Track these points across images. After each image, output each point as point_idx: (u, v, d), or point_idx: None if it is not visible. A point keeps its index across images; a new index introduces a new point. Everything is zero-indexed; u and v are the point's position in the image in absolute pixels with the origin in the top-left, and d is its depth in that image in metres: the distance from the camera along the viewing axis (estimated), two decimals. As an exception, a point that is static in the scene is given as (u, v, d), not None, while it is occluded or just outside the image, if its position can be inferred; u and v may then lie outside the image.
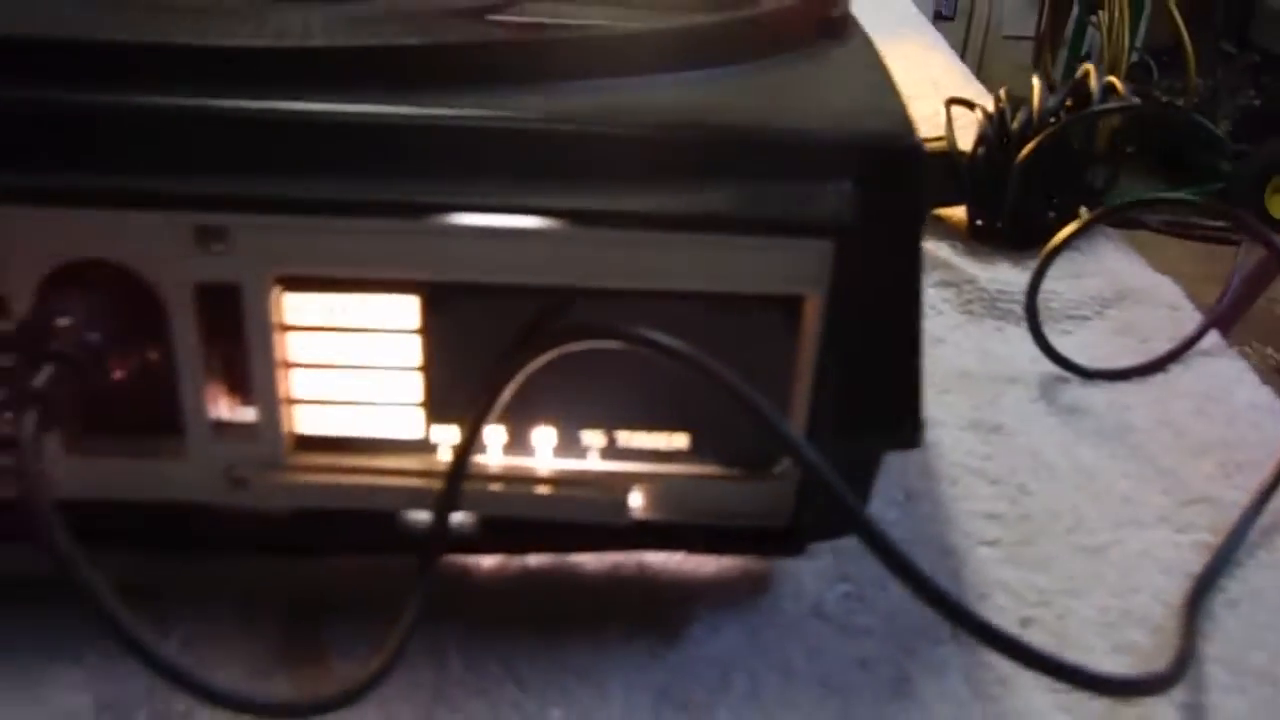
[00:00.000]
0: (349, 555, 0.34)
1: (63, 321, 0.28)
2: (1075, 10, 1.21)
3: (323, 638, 0.32)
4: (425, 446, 0.32)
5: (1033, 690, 0.32)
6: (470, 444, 0.31)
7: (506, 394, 0.30)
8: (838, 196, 0.29)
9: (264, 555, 0.34)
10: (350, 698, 0.27)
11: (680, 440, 0.32)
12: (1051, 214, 0.57)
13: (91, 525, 0.32)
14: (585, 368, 0.31)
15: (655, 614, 0.34)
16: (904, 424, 0.32)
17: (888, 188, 0.30)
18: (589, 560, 0.35)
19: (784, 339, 0.31)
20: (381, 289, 0.30)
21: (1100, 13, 1.00)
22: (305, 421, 0.31)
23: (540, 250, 0.29)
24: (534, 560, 0.35)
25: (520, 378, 0.30)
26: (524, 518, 0.32)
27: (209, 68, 0.29)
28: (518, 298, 0.30)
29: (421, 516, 0.32)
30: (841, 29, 0.39)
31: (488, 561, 0.35)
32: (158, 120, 0.28)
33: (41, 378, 0.27)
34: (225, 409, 0.31)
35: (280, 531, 0.33)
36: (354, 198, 0.29)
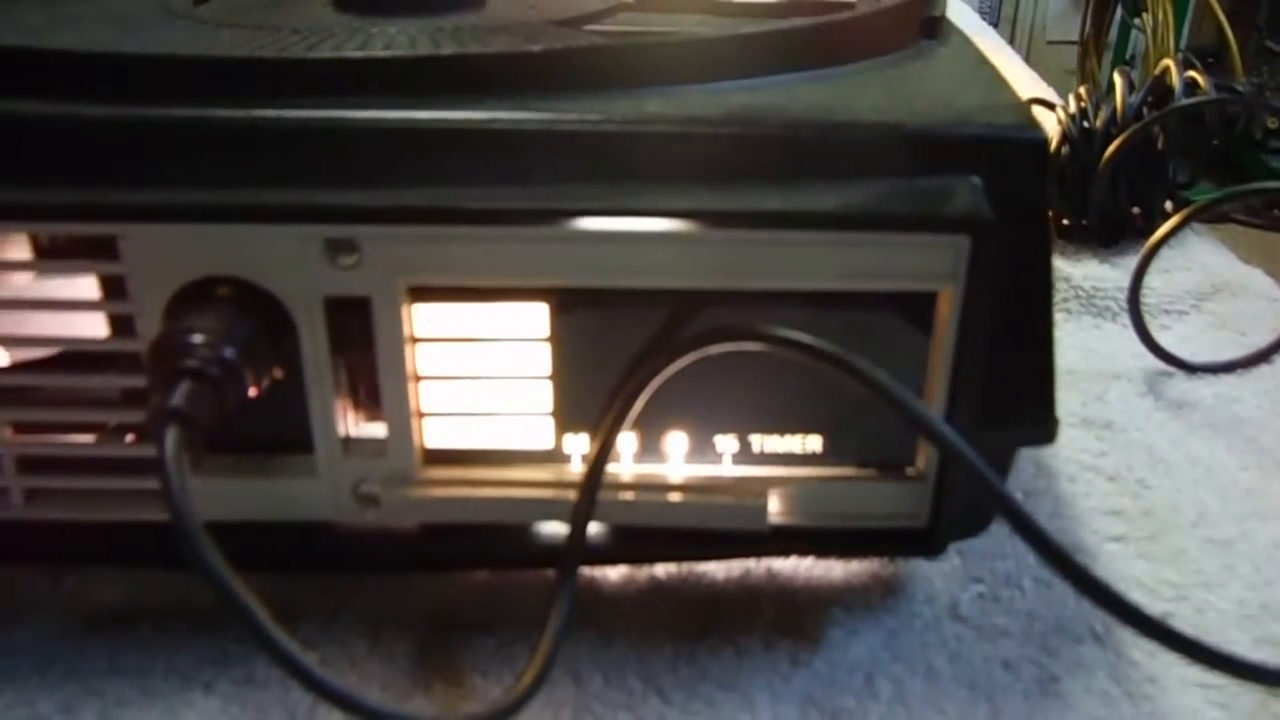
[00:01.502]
0: (476, 570, 0.33)
1: (197, 338, 0.28)
2: (1119, 13, 1.20)
3: (454, 655, 0.32)
4: (556, 456, 0.31)
5: (1183, 687, 0.31)
6: (605, 452, 0.30)
7: (643, 399, 0.30)
8: (972, 192, 0.29)
9: (388, 572, 0.33)
10: (506, 714, 0.27)
11: (814, 442, 0.31)
12: (1135, 210, 0.56)
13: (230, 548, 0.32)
14: (718, 371, 0.30)
15: (790, 620, 0.33)
16: (1039, 419, 0.32)
17: (1017, 182, 0.29)
18: (716, 569, 0.35)
19: (917, 336, 0.30)
20: (510, 297, 0.29)
21: (1144, 15, 0.99)
22: (434, 435, 0.31)
23: (672, 253, 0.29)
24: (661, 570, 0.35)
25: (658, 382, 0.29)
26: (658, 526, 0.31)
27: (334, 81, 0.29)
28: (648, 302, 0.29)
29: (552, 528, 0.32)
30: (940, 28, 0.39)
31: (613, 573, 0.35)
32: (285, 134, 0.28)
33: (179, 395, 0.27)
34: (353, 425, 0.31)
35: (407, 548, 0.33)
36: (482, 206, 0.28)
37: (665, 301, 0.29)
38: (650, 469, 0.31)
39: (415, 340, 0.30)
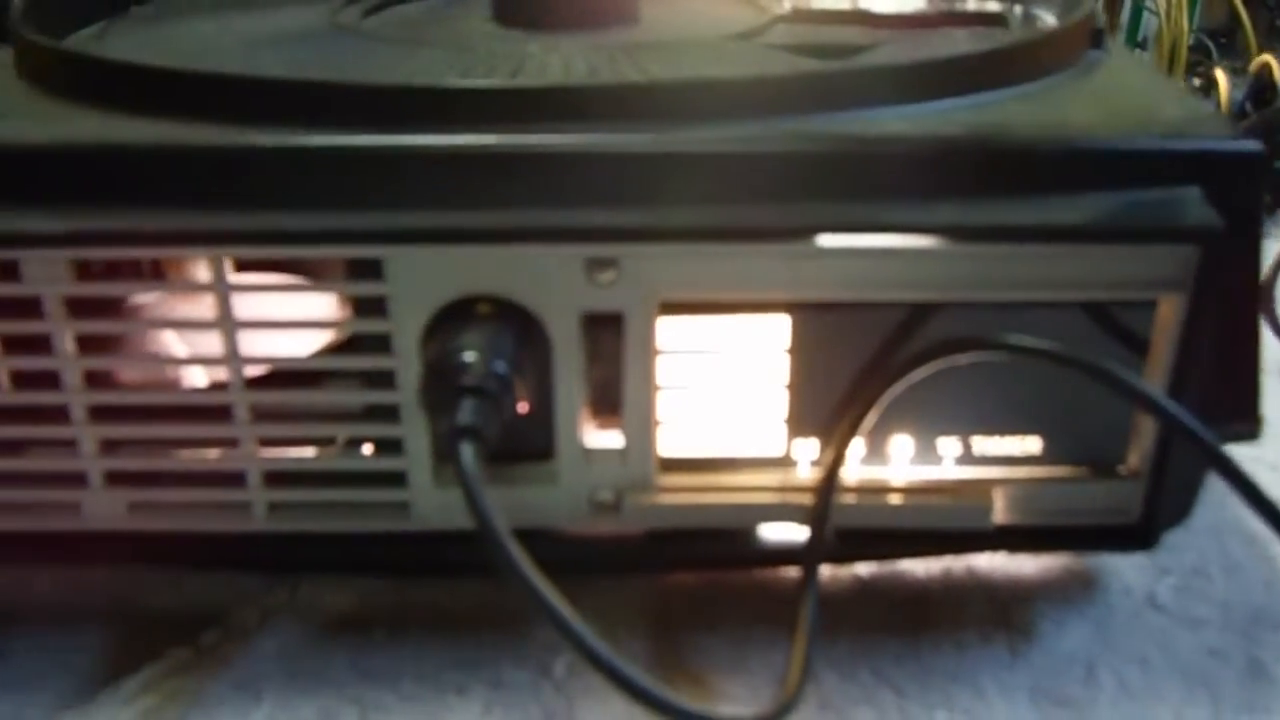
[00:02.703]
0: (697, 571, 0.35)
1: (469, 356, 0.29)
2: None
3: (686, 654, 0.33)
4: (785, 462, 0.32)
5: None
6: (841, 456, 0.31)
7: (881, 405, 0.31)
8: (1198, 202, 0.30)
9: (613, 576, 0.34)
10: (784, 712, 0.28)
11: (1033, 444, 0.32)
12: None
13: (452, 555, 0.33)
14: (941, 376, 0.31)
15: (999, 614, 0.34)
16: (1247, 415, 0.33)
17: (1235, 191, 0.30)
18: (916, 566, 0.36)
19: (1138, 342, 0.31)
20: (755, 310, 0.31)
21: (1156, -4, 1.00)
22: (671, 443, 0.32)
23: (911, 267, 0.30)
24: (863, 569, 0.36)
25: (896, 391, 0.31)
26: (883, 527, 0.33)
27: (591, 107, 0.30)
28: (884, 313, 0.31)
29: (779, 530, 0.33)
30: (1102, 39, 0.40)
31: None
32: (547, 159, 0.29)
33: (466, 413, 0.28)
34: (593, 435, 0.32)
35: (633, 552, 0.34)
36: (736, 224, 0.29)
37: (901, 313, 0.31)
38: (876, 472, 0.33)
39: (661, 352, 0.31)
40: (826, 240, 0.29)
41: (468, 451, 0.27)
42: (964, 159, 0.30)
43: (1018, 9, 0.45)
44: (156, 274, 0.35)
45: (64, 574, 0.35)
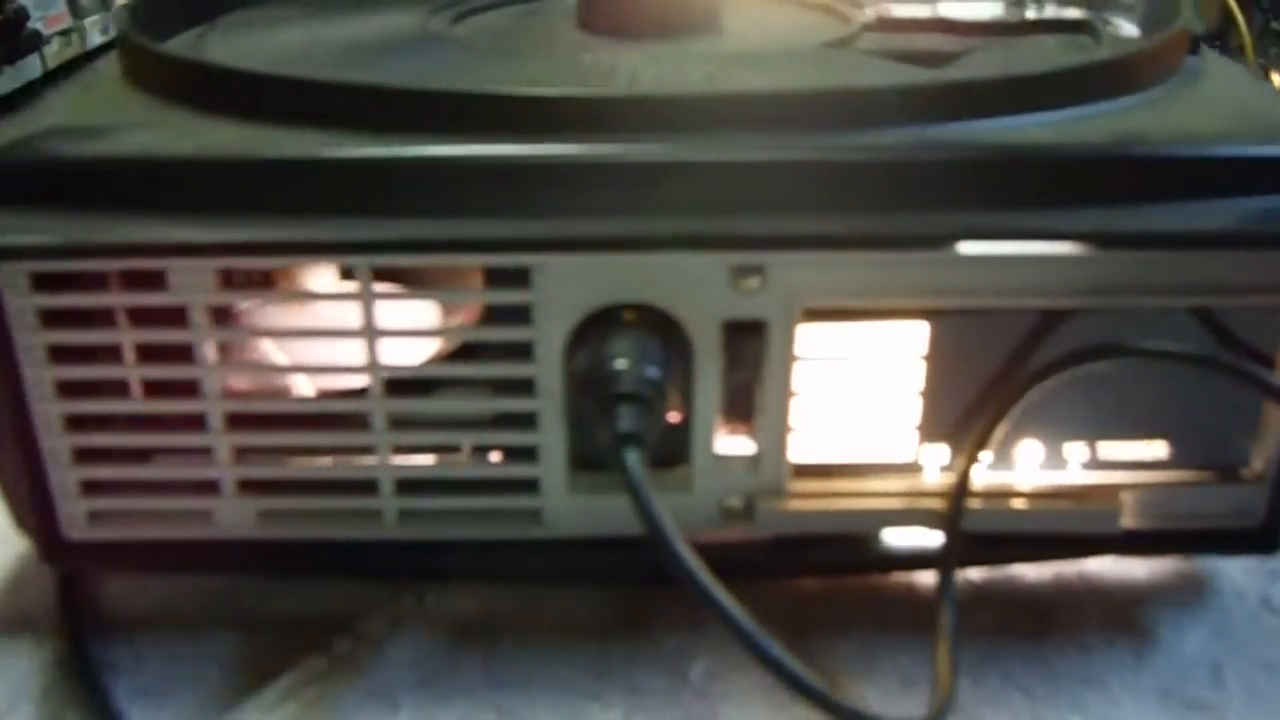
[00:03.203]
0: (828, 577, 0.35)
1: (621, 364, 0.29)
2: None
3: (818, 658, 0.33)
4: (914, 468, 0.33)
5: None
6: (976, 461, 0.32)
7: (1017, 411, 0.31)
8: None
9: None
10: (943, 713, 0.28)
11: (1159, 449, 0.33)
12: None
13: (580, 561, 0.33)
14: (1070, 382, 0.31)
15: (1118, 618, 0.35)
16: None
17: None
18: (1027, 570, 0.36)
19: (1264, 347, 0.31)
20: (895, 316, 0.31)
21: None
22: (802, 450, 0.32)
23: (1048, 273, 0.30)
24: (974, 574, 0.36)
25: (1031, 397, 0.31)
26: (1011, 532, 0.33)
27: (735, 115, 0.30)
28: (1019, 319, 0.31)
29: (903, 536, 0.33)
30: (1199, 45, 0.40)
31: (928, 578, 0.36)
32: (695, 167, 0.29)
33: (627, 419, 0.28)
34: (725, 441, 0.32)
35: (764, 557, 0.34)
36: (883, 231, 0.30)
37: (1034, 320, 0.31)
38: (1004, 477, 0.33)
39: (799, 359, 0.31)
40: (968, 247, 0.30)
41: (633, 457, 0.27)
42: (1106, 166, 0.30)
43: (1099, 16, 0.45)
44: (265, 283, 0.35)
45: (191, 583, 0.35)
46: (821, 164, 0.30)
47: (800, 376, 0.31)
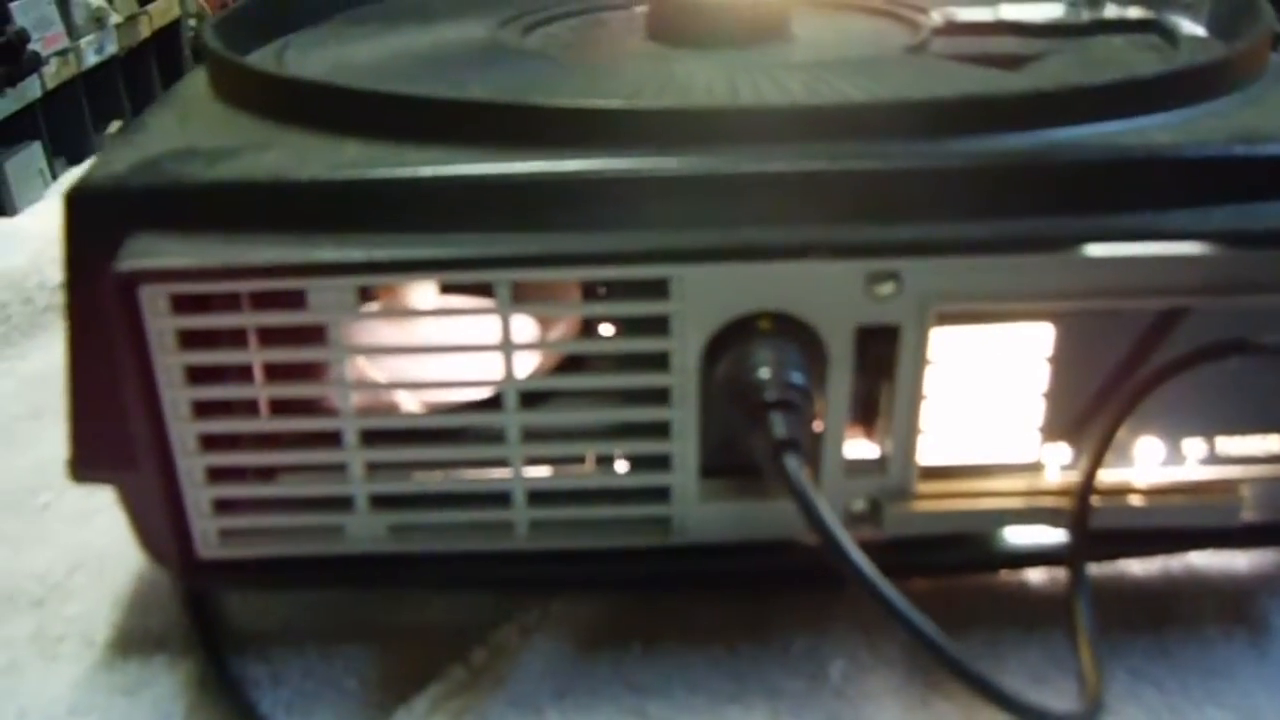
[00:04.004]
0: (954, 576, 0.35)
1: (765, 373, 0.29)
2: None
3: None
4: (1036, 467, 0.33)
5: None
6: (1102, 459, 0.32)
7: (1139, 408, 0.32)
8: None
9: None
10: (1097, 709, 0.29)
11: (1276, 442, 0.33)
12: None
13: (707, 567, 0.33)
14: (1188, 379, 0.32)
15: (1230, 610, 0.35)
16: None
17: None
18: (1134, 565, 0.37)
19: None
20: (1020, 319, 0.31)
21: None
22: (930, 452, 0.33)
23: (1171, 273, 0.31)
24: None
25: (1157, 391, 0.31)
26: (1131, 527, 0.34)
27: (869, 123, 0.31)
28: (1142, 318, 0.31)
29: (1026, 533, 0.34)
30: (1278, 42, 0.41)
31: (1034, 575, 0.37)
32: (831, 175, 0.30)
33: (781, 426, 0.28)
34: (854, 445, 0.33)
35: (888, 558, 0.34)
36: (1009, 235, 0.30)
37: (1155, 319, 0.31)
38: (1124, 474, 0.33)
39: (930, 363, 0.31)
40: (1094, 249, 0.30)
41: (794, 463, 0.27)
42: (1225, 165, 0.31)
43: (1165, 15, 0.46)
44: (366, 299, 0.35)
45: (314, 597, 0.35)
46: (952, 170, 0.30)
47: (930, 380, 0.32)
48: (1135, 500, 0.33)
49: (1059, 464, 0.33)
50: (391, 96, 0.32)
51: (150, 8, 2.15)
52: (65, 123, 1.81)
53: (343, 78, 0.39)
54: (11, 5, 1.71)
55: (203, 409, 0.32)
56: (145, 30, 2.10)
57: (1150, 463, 0.33)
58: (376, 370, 0.35)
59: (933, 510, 0.33)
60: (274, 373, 0.32)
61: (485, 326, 0.31)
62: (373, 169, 0.30)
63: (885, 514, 0.33)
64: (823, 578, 0.34)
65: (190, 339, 0.31)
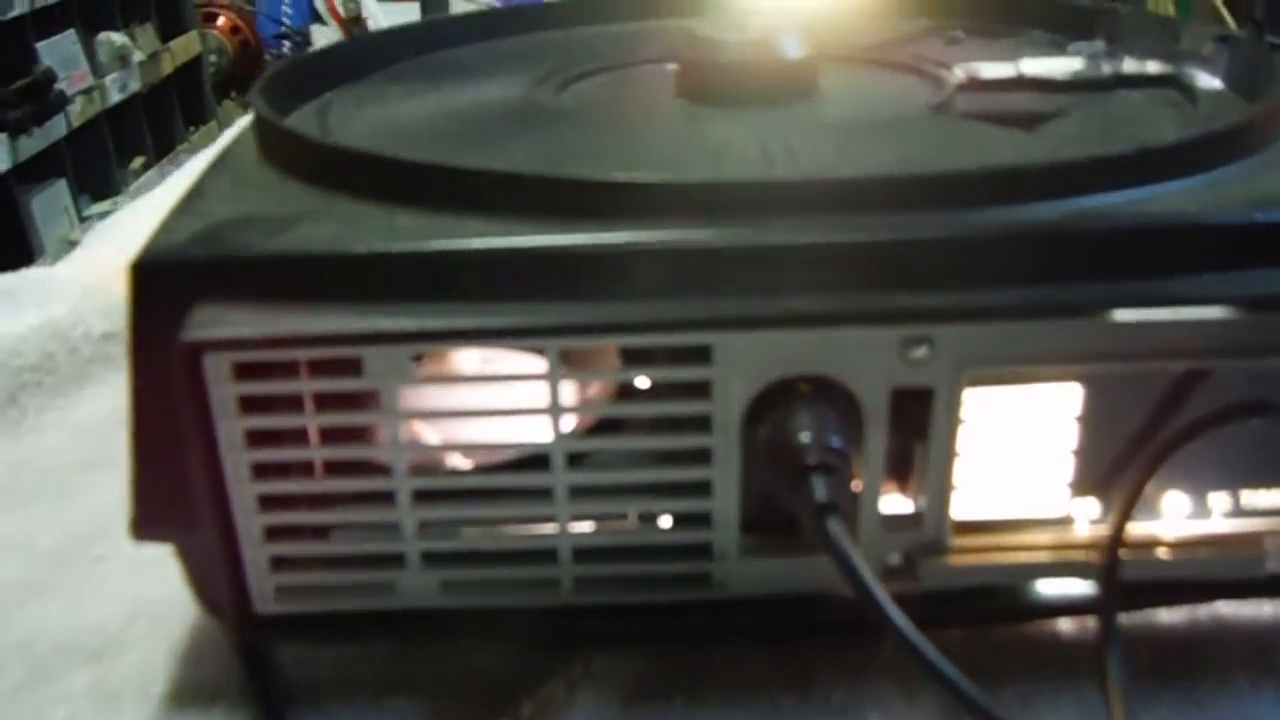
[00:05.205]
0: (987, 626, 0.36)
1: (806, 436, 0.30)
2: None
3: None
4: (1065, 521, 0.34)
5: None
6: (1130, 513, 0.33)
7: (1165, 464, 0.33)
8: None
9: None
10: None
11: (1299, 495, 0.34)
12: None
13: (751, 621, 0.34)
14: (1213, 435, 0.33)
15: (1257, 659, 0.36)
16: None
17: None
18: (1163, 614, 0.38)
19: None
20: (1050, 380, 0.32)
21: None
22: (963, 507, 0.34)
23: (1197, 335, 0.32)
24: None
25: (1186, 448, 0.33)
26: (1157, 579, 0.35)
27: (904, 195, 0.32)
28: (1168, 379, 0.33)
29: (1056, 585, 0.35)
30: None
31: (1065, 624, 0.38)
32: (868, 246, 0.31)
33: (822, 490, 0.29)
34: (887, 501, 0.34)
35: (922, 611, 0.35)
36: (1040, 301, 0.31)
37: (1181, 380, 0.33)
38: (1150, 526, 0.34)
39: (963, 422, 0.33)
40: (1124, 314, 0.31)
41: (836, 528, 0.29)
42: (1248, 231, 0.32)
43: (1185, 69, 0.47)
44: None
45: (372, 649, 0.36)
46: (983, 239, 0.31)
47: (963, 438, 0.33)
48: (1162, 553, 0.34)
49: (1087, 518, 0.34)
50: (441, 169, 0.34)
51: (172, 44, 2.19)
52: (89, 159, 1.84)
53: (388, 142, 0.41)
54: (38, 45, 1.74)
55: (260, 470, 0.33)
56: (168, 67, 2.14)
57: (1176, 516, 0.34)
58: (426, 429, 0.36)
59: (966, 564, 0.34)
60: (327, 434, 0.33)
61: (530, 385, 0.32)
62: (426, 242, 0.32)
63: (921, 568, 0.34)
64: (861, 629, 0.35)
65: (250, 404, 0.32)
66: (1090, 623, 0.36)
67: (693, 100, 0.47)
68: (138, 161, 2.00)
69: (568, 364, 0.32)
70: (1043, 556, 0.34)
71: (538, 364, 0.32)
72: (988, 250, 0.31)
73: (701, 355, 0.31)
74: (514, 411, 0.32)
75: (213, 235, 0.33)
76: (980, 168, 0.33)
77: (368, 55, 0.53)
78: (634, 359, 0.32)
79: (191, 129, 2.25)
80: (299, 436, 0.33)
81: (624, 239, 0.31)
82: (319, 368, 0.32)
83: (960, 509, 0.34)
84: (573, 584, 0.34)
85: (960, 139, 0.40)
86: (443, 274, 0.32)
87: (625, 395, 0.33)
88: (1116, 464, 0.34)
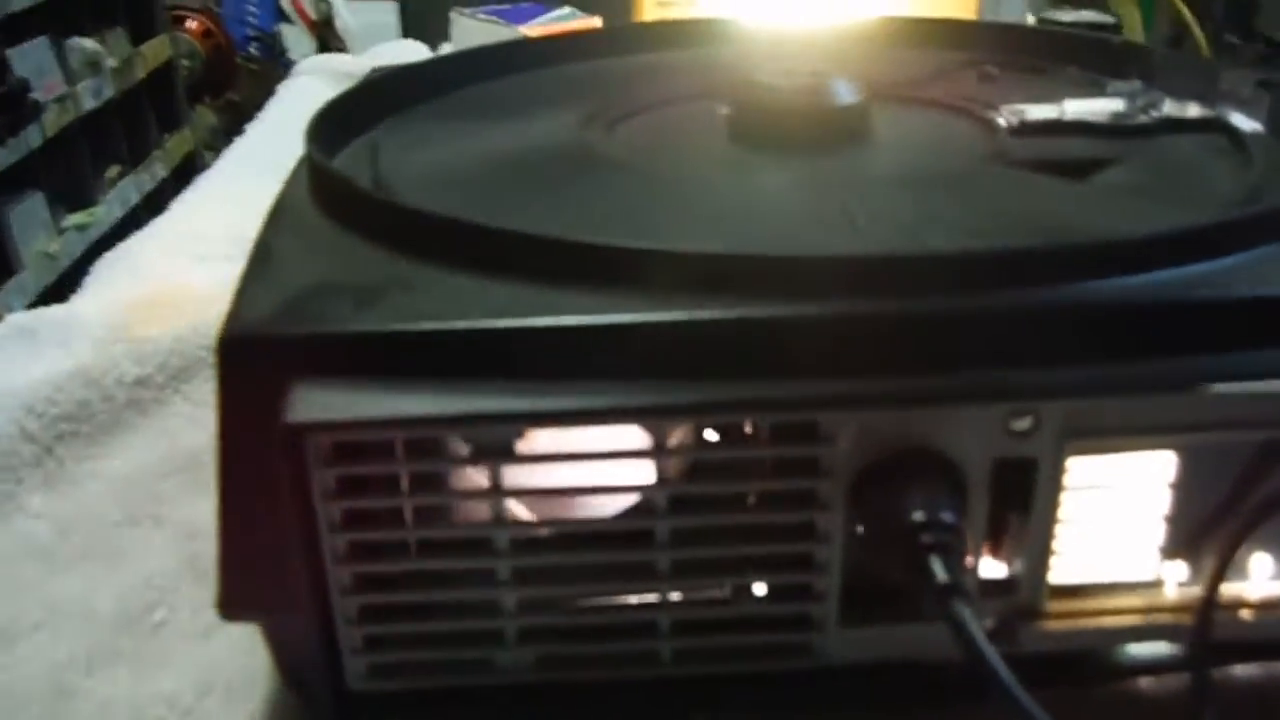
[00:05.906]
0: (1082, 687, 0.37)
1: (918, 515, 0.31)
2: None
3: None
4: (1155, 584, 0.35)
5: None
6: (1222, 577, 0.33)
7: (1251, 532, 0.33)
8: None
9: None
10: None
11: (1387, 553, 0.35)
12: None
13: (849, 689, 0.34)
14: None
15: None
16: None
17: None
18: (1236, 669, 0.38)
19: None
20: (1145, 449, 0.33)
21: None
22: (1059, 572, 0.34)
23: None
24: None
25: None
26: (1245, 639, 0.35)
27: (999, 270, 0.32)
28: (1257, 447, 0.33)
29: (1148, 647, 0.35)
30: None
31: (1145, 681, 0.38)
32: (974, 321, 0.31)
33: (943, 571, 0.29)
34: (985, 566, 0.34)
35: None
36: (1140, 376, 0.31)
37: (1271, 447, 0.33)
38: (1236, 588, 0.35)
39: (1066, 490, 0.33)
40: (1222, 388, 0.32)
41: (964, 611, 0.29)
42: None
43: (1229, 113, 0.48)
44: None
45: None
46: (1089, 313, 0.32)
47: (1066, 506, 0.33)
48: (1248, 613, 0.35)
49: (1176, 581, 0.35)
50: (541, 240, 0.33)
51: (143, 48, 2.16)
52: (65, 169, 1.81)
53: (445, 195, 0.40)
54: (8, 52, 1.71)
55: (355, 550, 0.32)
56: (140, 72, 2.10)
57: (1262, 577, 0.35)
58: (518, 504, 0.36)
59: (1062, 628, 0.34)
60: (421, 512, 0.33)
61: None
62: (529, 318, 0.31)
63: (1020, 632, 0.34)
64: (962, 694, 0.35)
65: (347, 484, 0.32)
66: (1169, 681, 0.37)
67: (744, 145, 0.47)
68: (113, 170, 1.97)
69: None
70: (1133, 620, 0.35)
71: (639, 437, 0.32)
72: (1091, 324, 0.32)
73: (808, 433, 0.31)
74: (618, 489, 0.32)
75: (298, 309, 0.33)
76: (1073, 244, 0.33)
77: (404, 90, 0.53)
78: (738, 434, 0.32)
79: (166, 135, 2.22)
80: (395, 516, 0.32)
81: (735, 315, 0.31)
82: (415, 444, 0.32)
83: (1057, 574, 0.34)
84: (671, 655, 0.34)
85: (1020, 195, 0.41)
86: (544, 351, 0.31)
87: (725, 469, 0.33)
88: (1204, 528, 0.34)
